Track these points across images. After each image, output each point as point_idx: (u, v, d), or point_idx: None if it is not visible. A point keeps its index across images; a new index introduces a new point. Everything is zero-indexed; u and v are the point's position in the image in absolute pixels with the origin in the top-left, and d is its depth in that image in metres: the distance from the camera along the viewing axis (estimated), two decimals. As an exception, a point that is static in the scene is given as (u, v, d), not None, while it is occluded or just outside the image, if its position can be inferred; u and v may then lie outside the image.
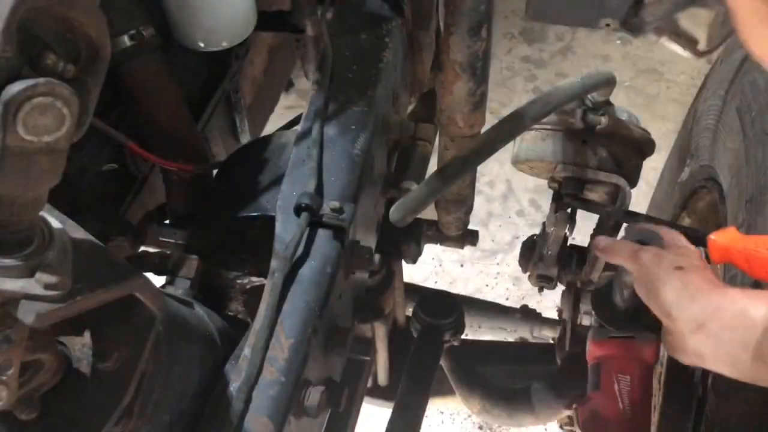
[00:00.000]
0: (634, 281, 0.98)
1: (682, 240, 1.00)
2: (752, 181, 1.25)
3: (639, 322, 1.12)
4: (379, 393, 1.69)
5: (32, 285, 0.57)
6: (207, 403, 0.88)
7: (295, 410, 0.88)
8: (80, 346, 0.71)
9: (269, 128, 1.71)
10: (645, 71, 3.48)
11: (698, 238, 1.02)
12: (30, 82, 0.51)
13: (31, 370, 0.66)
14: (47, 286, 0.57)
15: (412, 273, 2.00)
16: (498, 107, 3.21)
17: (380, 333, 1.44)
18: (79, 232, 0.67)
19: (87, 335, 0.70)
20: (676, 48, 1.12)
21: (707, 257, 1.03)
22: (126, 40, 1.08)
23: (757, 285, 1.09)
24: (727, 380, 0.86)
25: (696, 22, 1.20)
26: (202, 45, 1.18)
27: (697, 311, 0.86)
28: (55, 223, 0.63)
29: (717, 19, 1.20)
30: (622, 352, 1.15)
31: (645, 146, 1.48)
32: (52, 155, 0.55)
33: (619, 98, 1.39)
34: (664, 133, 2.88)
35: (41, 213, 0.61)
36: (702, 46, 1.16)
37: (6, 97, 0.50)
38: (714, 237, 1.01)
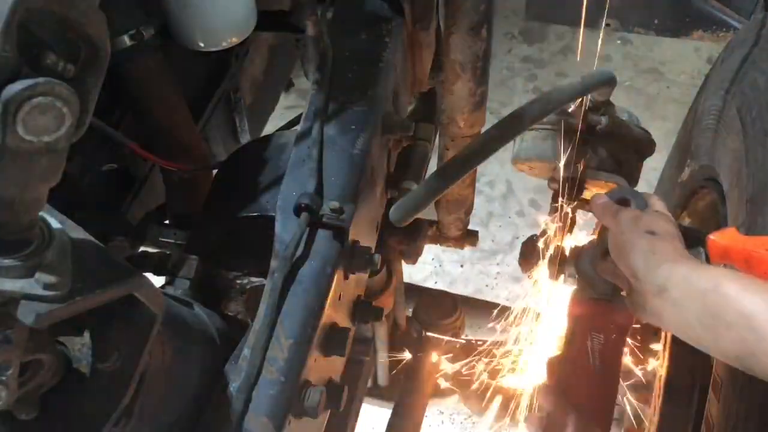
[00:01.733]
0: (608, 239, 1.02)
1: (662, 205, 1.05)
2: (753, 181, 1.25)
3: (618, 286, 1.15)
4: (379, 393, 1.69)
5: (32, 285, 0.57)
6: (207, 403, 0.88)
7: (295, 410, 0.88)
8: (80, 346, 0.70)
9: (269, 128, 1.71)
10: (645, 71, 3.47)
11: (698, 238, 1.02)
12: (30, 82, 0.51)
13: (31, 370, 0.65)
14: (47, 286, 0.57)
15: (412, 273, 2.00)
16: (498, 107, 3.21)
17: (380, 333, 1.45)
18: (79, 232, 0.66)
19: (87, 335, 0.70)
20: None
21: (707, 257, 1.03)
22: (126, 40, 1.08)
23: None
24: (727, 380, 0.86)
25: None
26: (202, 45, 1.18)
27: (661, 277, 0.89)
28: (55, 223, 0.63)
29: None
30: (599, 312, 1.20)
31: (645, 146, 1.48)
32: (52, 155, 0.55)
33: (619, 98, 1.40)
34: (664, 133, 2.88)
35: (41, 213, 0.61)
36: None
37: (6, 97, 0.50)
38: (713, 237, 1.01)
